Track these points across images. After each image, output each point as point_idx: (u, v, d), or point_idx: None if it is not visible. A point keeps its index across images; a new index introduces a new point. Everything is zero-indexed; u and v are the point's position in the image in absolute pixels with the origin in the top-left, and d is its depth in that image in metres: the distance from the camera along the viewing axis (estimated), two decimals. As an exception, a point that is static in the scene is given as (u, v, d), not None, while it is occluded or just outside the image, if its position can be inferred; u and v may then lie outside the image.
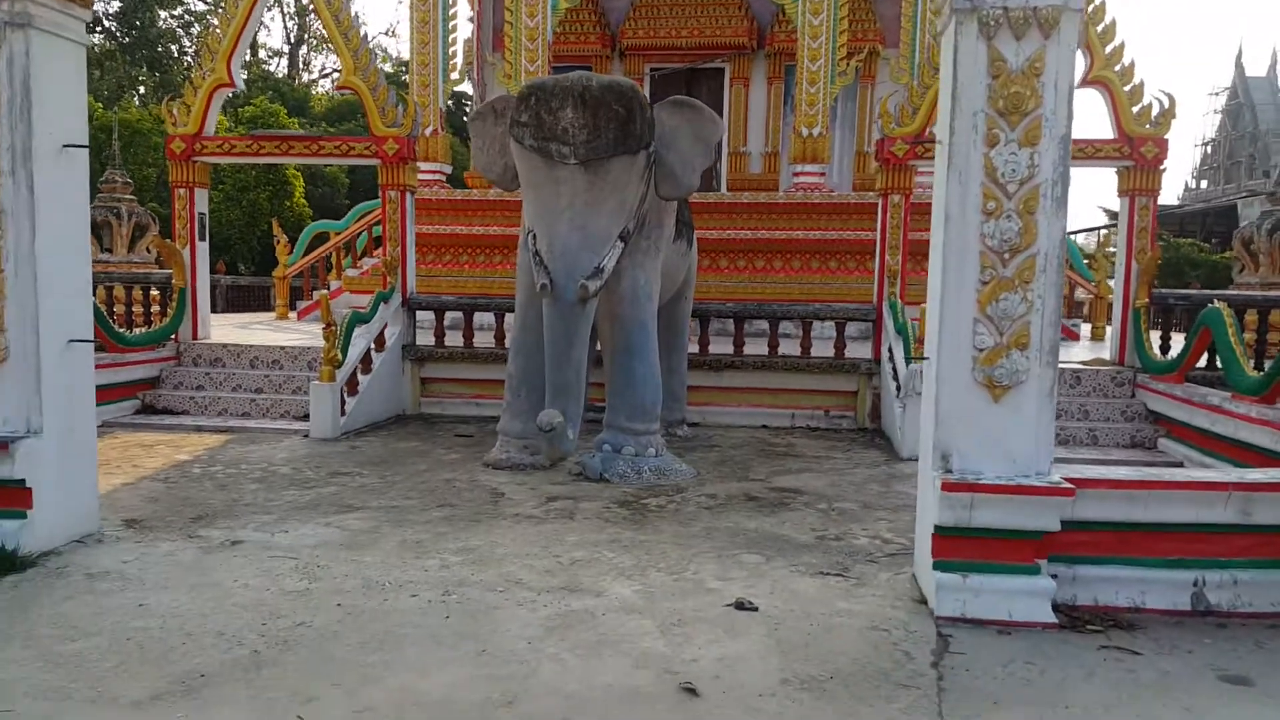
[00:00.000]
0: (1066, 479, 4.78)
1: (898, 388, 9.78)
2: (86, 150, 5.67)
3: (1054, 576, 4.81)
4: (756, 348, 11.21)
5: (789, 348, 11.15)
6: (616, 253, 7.74)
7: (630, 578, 5.25)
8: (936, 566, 4.81)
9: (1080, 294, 17.54)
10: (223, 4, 11.40)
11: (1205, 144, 52.77)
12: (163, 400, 10.79)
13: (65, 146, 5.50)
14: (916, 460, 8.69)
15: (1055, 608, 4.71)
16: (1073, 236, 21.23)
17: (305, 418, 9.98)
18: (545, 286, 7.56)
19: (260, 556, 5.53)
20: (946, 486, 4.71)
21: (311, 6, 35.78)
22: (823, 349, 11.18)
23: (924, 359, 5.30)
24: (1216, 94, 54.43)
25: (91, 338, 5.84)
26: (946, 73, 4.98)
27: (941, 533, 4.81)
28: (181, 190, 11.48)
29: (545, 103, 7.54)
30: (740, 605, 4.79)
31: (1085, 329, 15.78)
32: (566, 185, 7.60)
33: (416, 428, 10.37)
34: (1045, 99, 4.78)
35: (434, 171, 16.57)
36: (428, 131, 16.38)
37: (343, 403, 9.75)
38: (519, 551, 5.72)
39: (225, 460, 8.37)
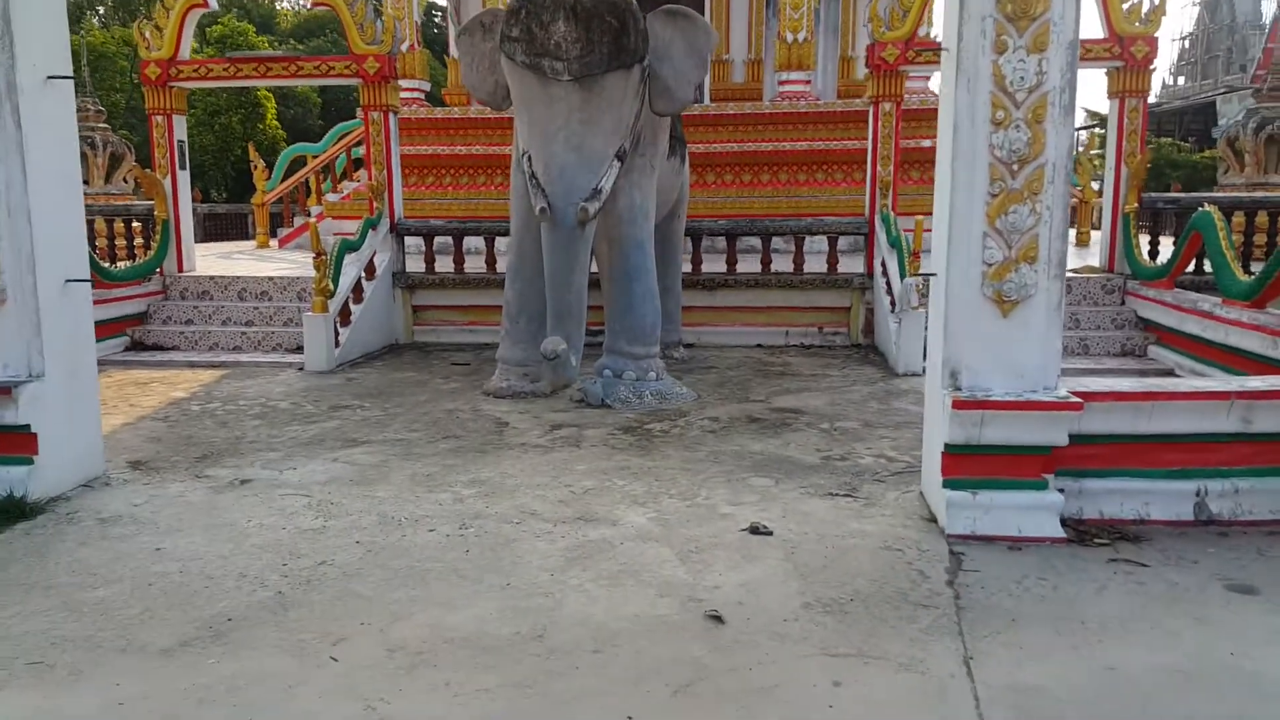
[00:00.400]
0: (1073, 393, 4.82)
1: (892, 303, 9.79)
2: (72, 81, 5.52)
3: (1060, 491, 4.88)
4: (749, 265, 11.19)
5: (781, 264, 11.12)
6: (614, 173, 7.65)
7: (643, 505, 5.29)
8: (946, 484, 4.87)
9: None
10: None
11: (1183, 38, 52.18)
12: (152, 336, 10.71)
13: (50, 78, 5.35)
14: (913, 376, 8.85)
15: (1063, 522, 4.79)
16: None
17: (298, 350, 9.93)
18: (544, 210, 7.46)
19: (272, 495, 5.55)
20: (957, 404, 4.74)
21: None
22: (815, 264, 11.17)
23: (926, 275, 5.30)
24: (1193, -14, 53.72)
25: (88, 277, 5.76)
26: (952, -26, 4.88)
27: (951, 450, 4.85)
28: (159, 118, 11.25)
29: (536, 16, 7.35)
30: (755, 530, 4.85)
31: (1070, 234, 15.76)
32: (561, 103, 7.45)
33: (412, 357, 10.35)
34: (1053, 2, 4.69)
35: (413, 90, 16.27)
36: (404, 47, 16.01)
37: (336, 334, 9.70)
38: (530, 482, 5.75)
39: (222, 396, 8.34)
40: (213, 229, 21.71)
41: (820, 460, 6.17)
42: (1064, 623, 3.79)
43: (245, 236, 20.45)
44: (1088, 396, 4.83)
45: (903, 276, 9.42)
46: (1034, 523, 4.74)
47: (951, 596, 4.05)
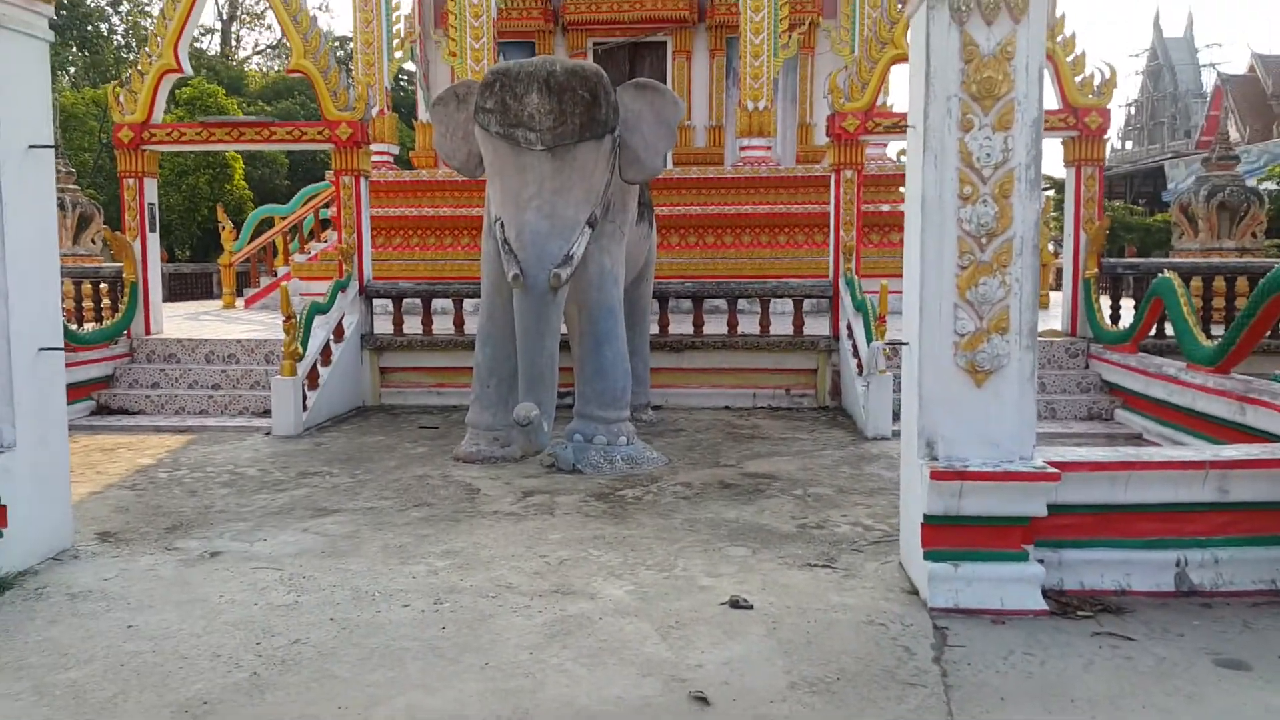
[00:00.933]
0: (1050, 462, 4.87)
1: (859, 366, 9.87)
2: (53, 150, 5.49)
3: (1040, 561, 4.90)
4: (716, 326, 11.26)
5: (748, 325, 11.20)
6: (585, 239, 7.70)
7: (620, 577, 5.25)
8: (928, 557, 4.87)
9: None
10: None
11: (1129, 104, 53.78)
12: (118, 400, 10.55)
13: (31, 147, 5.32)
14: (882, 440, 8.89)
15: (1044, 593, 4.80)
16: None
17: (266, 414, 9.83)
18: (517, 276, 7.48)
19: (243, 568, 5.44)
20: (935, 475, 4.77)
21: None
22: (781, 325, 11.25)
23: (898, 343, 5.36)
24: (1137, 55, 55.65)
25: (62, 345, 5.68)
26: (918, 57, 5.00)
27: (931, 522, 4.86)
28: (130, 180, 11.20)
29: (510, 88, 7.44)
30: (735, 604, 4.82)
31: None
32: (533, 172, 7.52)
33: (379, 420, 10.27)
34: (1017, 82, 4.82)
35: (382, 153, 16.34)
36: (374, 112, 16.09)
37: (304, 397, 9.62)
38: (504, 553, 5.69)
39: (190, 463, 8.21)
40: (177, 288, 21.52)
41: (796, 529, 6.17)
42: (1053, 700, 3.78)
43: (210, 295, 20.32)
44: (1064, 466, 4.87)
45: (869, 340, 9.50)
46: (1016, 595, 4.74)
47: (939, 674, 4.03)
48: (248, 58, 41.36)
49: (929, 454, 4.92)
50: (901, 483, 5.39)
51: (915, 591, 4.97)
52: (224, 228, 16.88)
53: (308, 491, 7.21)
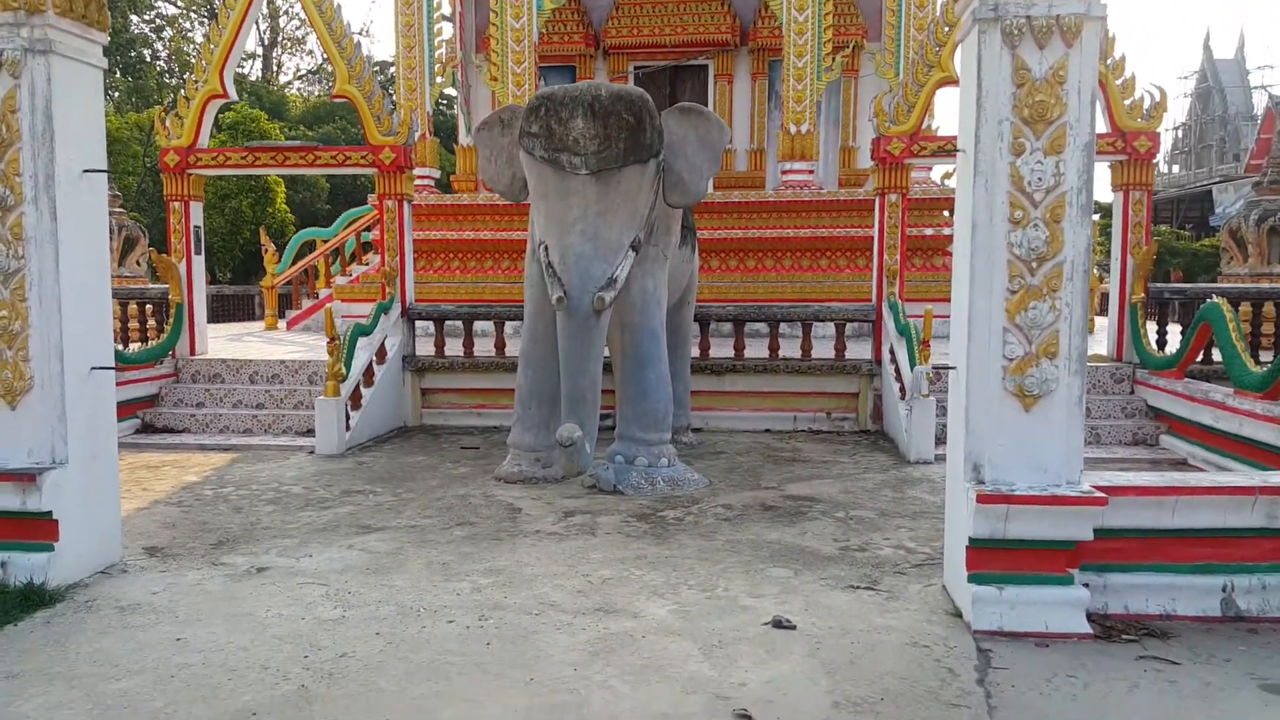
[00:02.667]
0: (1096, 487, 4.83)
1: (901, 390, 9.83)
2: (106, 175, 5.63)
3: (1085, 585, 4.86)
4: (756, 350, 11.27)
5: (789, 349, 11.20)
6: (629, 262, 7.76)
7: (663, 596, 5.26)
8: (972, 579, 4.85)
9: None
10: (194, 9, 11.28)
11: (1176, 128, 53.19)
12: (163, 419, 10.71)
13: (85, 171, 5.46)
14: (925, 464, 8.85)
15: (1088, 617, 4.76)
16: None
17: (308, 433, 9.95)
18: (560, 299, 7.54)
19: (289, 583, 5.51)
20: (982, 499, 4.75)
21: (296, 10, 35.52)
22: (822, 349, 11.23)
23: (945, 367, 5.34)
24: (1186, 78, 55.00)
25: (113, 364, 5.80)
26: (969, 81, 5.01)
27: (976, 545, 4.84)
28: (176, 204, 11.42)
29: (555, 113, 7.52)
30: (778, 624, 4.81)
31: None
32: (578, 196, 7.59)
33: (421, 440, 10.35)
34: (1069, 106, 4.82)
35: (423, 177, 16.51)
36: (416, 136, 16.30)
37: (348, 417, 9.72)
38: (547, 571, 5.72)
39: (235, 480, 8.32)
40: (220, 310, 21.86)
41: (838, 551, 6.15)
42: (1098, 723, 3.75)
43: (252, 317, 20.61)
44: (1111, 491, 4.84)
45: (912, 364, 9.47)
46: (1061, 619, 4.71)
47: (983, 695, 4.01)
48: (289, 83, 42.03)
49: (975, 477, 4.90)
50: (947, 506, 5.37)
51: (959, 614, 4.94)
52: (267, 250, 17.13)
53: (352, 509, 7.28)
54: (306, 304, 17.11)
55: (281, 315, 17.49)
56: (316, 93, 40.95)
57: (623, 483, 7.81)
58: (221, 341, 14.01)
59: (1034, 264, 4.85)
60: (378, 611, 5.04)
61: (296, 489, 8.00)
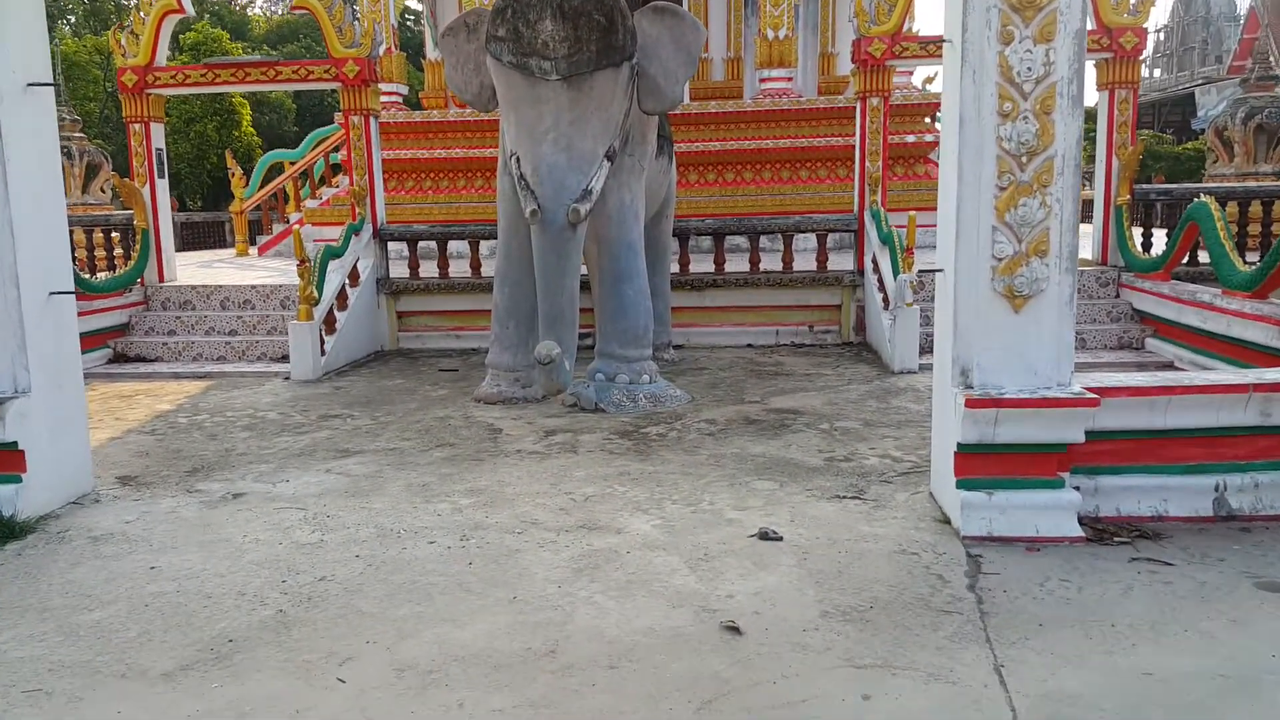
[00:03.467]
0: (1088, 389, 4.73)
1: (885, 299, 9.70)
2: (52, 89, 5.35)
3: (1076, 489, 4.78)
4: (737, 264, 11.09)
5: (770, 262, 11.02)
6: (604, 173, 7.51)
7: (647, 512, 5.17)
8: (960, 485, 4.76)
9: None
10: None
11: (1158, 30, 52.37)
12: (135, 348, 10.50)
13: (30, 85, 5.18)
14: (909, 374, 8.77)
15: (1079, 520, 4.69)
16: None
17: (284, 359, 9.76)
18: (535, 212, 7.31)
19: (266, 509, 5.39)
20: (970, 403, 4.64)
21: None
22: (804, 262, 11.07)
23: (931, 270, 5.20)
24: (1168, -24, 53.75)
25: (73, 288, 5.59)
26: (955, -36, 4.78)
27: (964, 450, 4.75)
28: (136, 125, 11.06)
29: (523, 15, 7.19)
30: (764, 535, 4.73)
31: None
32: (549, 103, 7.30)
33: (398, 364, 10.19)
34: (1059, -9, 4.60)
35: (391, 93, 16.08)
36: (381, 51, 15.82)
37: (322, 342, 9.53)
38: (529, 490, 5.61)
39: (209, 408, 8.16)
40: (189, 238, 21.38)
41: (824, 462, 6.06)
42: (1093, 626, 3.68)
43: (223, 244, 20.19)
44: (1103, 392, 4.74)
45: (896, 273, 9.32)
46: (1052, 522, 4.64)
47: (974, 601, 3.94)
48: (251, 1, 40.89)
49: (964, 382, 4.79)
50: (934, 412, 5.26)
51: (947, 521, 4.87)
52: (233, 174, 16.68)
53: (329, 434, 7.14)
54: (277, 229, 16.76)
55: (252, 241, 17.14)
56: (280, 12, 39.86)
57: (604, 400, 7.68)
58: (192, 269, 13.72)
59: (1024, 158, 4.68)
60: (357, 534, 4.93)
61: (272, 415, 7.85)
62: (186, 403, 8.43)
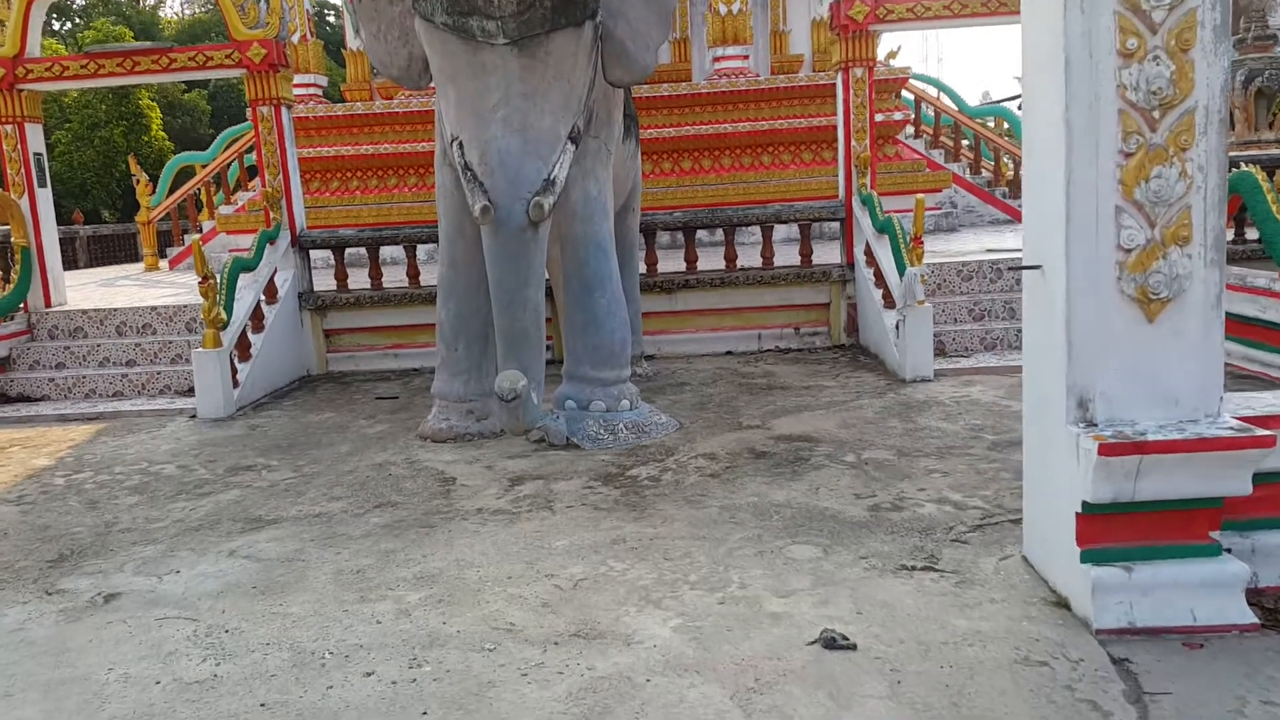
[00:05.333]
0: (1249, 419, 3.51)
1: (885, 296, 8.49)
2: None
3: (1229, 550, 3.58)
4: (711, 261, 9.83)
5: (747, 257, 9.77)
6: (568, 158, 6.16)
7: (659, 605, 3.87)
8: (1087, 558, 3.52)
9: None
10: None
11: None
12: (16, 385, 8.96)
13: None
14: (924, 382, 7.56)
15: (1246, 597, 3.49)
16: (1008, 104, 20.17)
17: (190, 392, 8.32)
18: (486, 209, 5.94)
19: (145, 620, 4.01)
20: (1106, 449, 3.38)
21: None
22: (785, 256, 9.84)
23: (1025, 267, 3.94)
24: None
25: None
26: None
27: (1094, 511, 3.50)
28: (8, 127, 9.51)
29: None
30: (830, 644, 3.45)
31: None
32: (496, 73, 5.93)
33: (328, 392, 8.76)
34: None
35: (308, 85, 14.59)
36: (295, 38, 14.32)
37: (234, 371, 8.08)
38: (498, 574, 4.29)
39: (95, 462, 6.70)
40: (99, 252, 19.68)
41: (868, 513, 4.80)
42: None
43: (135, 258, 18.52)
44: (1267, 423, 3.52)
45: (900, 266, 8.08)
46: (1214, 605, 3.42)
47: (1170, 755, 2.70)
48: (162, 1, 38.70)
49: (1083, 417, 3.55)
50: (1028, 455, 4.02)
51: (1063, 604, 3.64)
52: (138, 181, 14.98)
53: (238, 495, 5.74)
54: (189, 240, 15.16)
55: (163, 254, 15.53)
56: (193, 12, 37.75)
57: (577, 434, 6.37)
58: (90, 288, 12.15)
59: (1155, 113, 3.45)
60: (264, 663, 3.57)
61: (169, 469, 6.41)
62: (69, 455, 6.96)
